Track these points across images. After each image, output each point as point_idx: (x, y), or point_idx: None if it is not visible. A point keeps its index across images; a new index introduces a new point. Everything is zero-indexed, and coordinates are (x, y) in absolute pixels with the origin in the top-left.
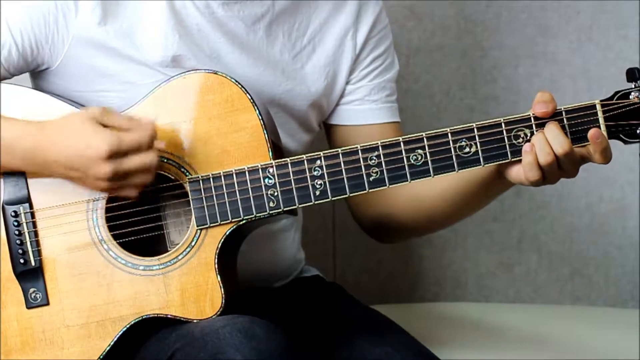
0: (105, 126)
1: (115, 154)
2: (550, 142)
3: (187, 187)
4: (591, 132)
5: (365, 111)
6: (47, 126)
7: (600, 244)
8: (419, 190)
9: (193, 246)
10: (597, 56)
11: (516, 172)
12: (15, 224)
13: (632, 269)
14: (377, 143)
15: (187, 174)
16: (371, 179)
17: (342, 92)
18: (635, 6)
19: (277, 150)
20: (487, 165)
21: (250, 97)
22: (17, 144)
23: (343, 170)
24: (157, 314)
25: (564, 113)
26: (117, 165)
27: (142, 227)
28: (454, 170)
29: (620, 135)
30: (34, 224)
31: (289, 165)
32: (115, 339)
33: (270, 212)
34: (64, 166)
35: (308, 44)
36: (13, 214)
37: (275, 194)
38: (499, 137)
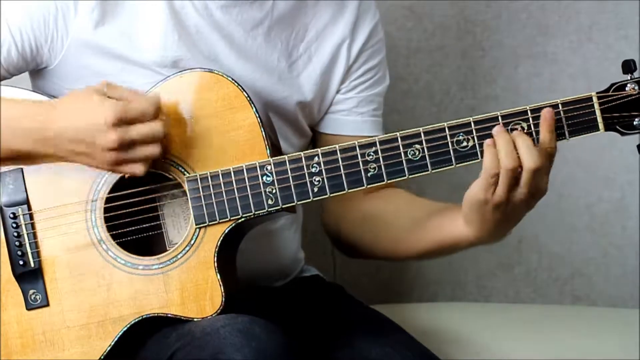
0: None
1: (121, 121)
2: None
3: (185, 186)
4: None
5: (351, 122)
6: (49, 103)
7: (600, 244)
8: (390, 219)
9: (192, 245)
10: (597, 56)
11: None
12: (14, 225)
13: (632, 269)
14: (375, 139)
15: (185, 172)
16: (369, 174)
17: (332, 100)
18: (635, 6)
19: (275, 149)
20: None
21: (247, 95)
22: (20, 122)
23: (341, 166)
24: (157, 314)
25: (560, 105)
26: (124, 133)
27: (140, 226)
28: (452, 165)
29: (617, 127)
30: (33, 226)
31: (287, 162)
32: (116, 339)
33: (269, 209)
34: (70, 139)
35: (304, 52)
36: (12, 215)
37: (274, 191)
38: None
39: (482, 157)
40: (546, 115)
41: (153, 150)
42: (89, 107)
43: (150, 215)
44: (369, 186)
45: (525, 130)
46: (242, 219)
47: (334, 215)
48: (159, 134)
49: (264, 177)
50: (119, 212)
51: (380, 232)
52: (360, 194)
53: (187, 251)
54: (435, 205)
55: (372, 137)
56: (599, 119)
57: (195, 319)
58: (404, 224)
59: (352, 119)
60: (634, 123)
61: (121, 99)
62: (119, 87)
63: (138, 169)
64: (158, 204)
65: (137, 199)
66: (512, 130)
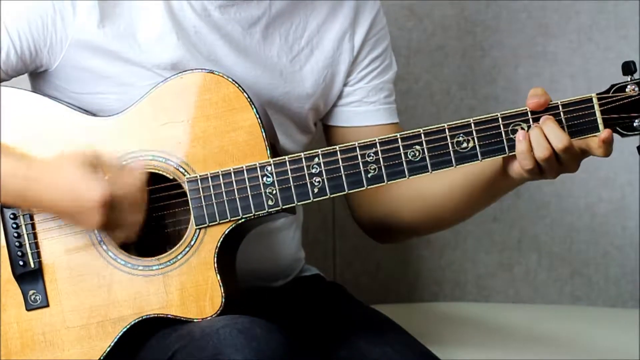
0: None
1: (109, 205)
2: (547, 136)
3: (186, 187)
4: (605, 135)
5: (364, 112)
6: (37, 166)
7: (600, 244)
8: (424, 188)
9: (192, 246)
10: (597, 56)
11: (517, 165)
12: (14, 226)
13: (632, 269)
14: (375, 140)
15: (186, 173)
16: (369, 175)
17: (339, 93)
18: (635, 6)
19: (275, 150)
20: (484, 159)
21: (247, 96)
22: (9, 182)
23: (341, 167)
24: (157, 314)
25: (560, 107)
26: (109, 215)
27: (140, 227)
28: (452, 166)
29: (617, 129)
30: (33, 226)
31: (287, 163)
32: (116, 340)
33: (269, 210)
34: (56, 211)
35: (306, 46)
36: (12, 216)
37: (274, 192)
38: (496, 131)
39: (482, 157)
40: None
41: (128, 234)
42: (76, 184)
43: (151, 215)
44: (369, 187)
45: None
46: (242, 220)
47: (365, 205)
48: (138, 223)
49: (264, 178)
50: None
51: (421, 205)
52: None
53: (187, 252)
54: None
55: (387, 124)
56: (599, 120)
57: (195, 320)
58: (448, 181)
59: (364, 109)
60: (634, 124)
61: (109, 172)
62: (106, 161)
63: (118, 238)
64: (158, 204)
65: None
66: (512, 131)
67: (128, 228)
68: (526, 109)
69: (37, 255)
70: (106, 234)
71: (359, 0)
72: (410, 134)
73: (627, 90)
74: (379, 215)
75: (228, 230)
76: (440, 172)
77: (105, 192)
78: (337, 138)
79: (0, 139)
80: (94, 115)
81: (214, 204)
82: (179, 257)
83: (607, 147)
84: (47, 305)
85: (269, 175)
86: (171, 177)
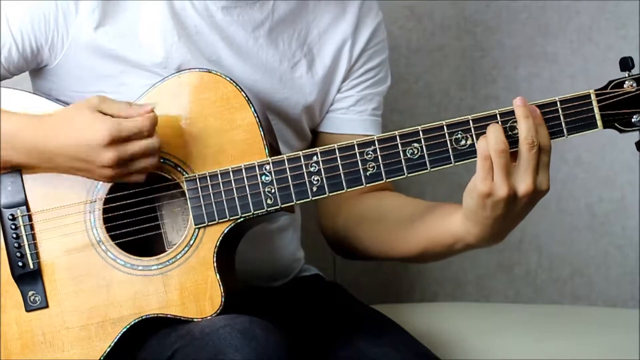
0: (104, 114)
1: (117, 140)
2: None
3: (184, 186)
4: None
5: (350, 120)
6: (46, 119)
7: (600, 244)
8: (389, 212)
9: (191, 245)
10: (597, 56)
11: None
12: (13, 227)
13: (632, 269)
14: (374, 137)
15: (184, 173)
16: (368, 173)
17: (332, 101)
18: (635, 6)
19: (274, 150)
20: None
21: (245, 95)
22: (18, 137)
23: (340, 165)
24: (157, 314)
25: (558, 103)
26: (120, 151)
27: (139, 227)
28: (451, 163)
29: (616, 124)
30: (32, 227)
31: (286, 161)
32: (116, 340)
33: (268, 209)
34: (68, 157)
35: (308, 53)
36: (10, 217)
37: (273, 190)
38: None
39: None
40: (525, 111)
41: (151, 162)
42: (82, 126)
43: (149, 215)
44: (368, 185)
45: None
46: (241, 219)
47: (330, 217)
48: (154, 149)
49: (263, 177)
50: (118, 212)
51: (376, 230)
52: (356, 193)
53: (187, 251)
54: (432, 203)
55: (370, 135)
56: (597, 117)
57: (194, 320)
58: (400, 219)
59: (350, 117)
60: (632, 120)
61: (117, 115)
62: (115, 102)
63: (137, 179)
64: (157, 204)
65: (136, 200)
66: (510, 128)
67: (143, 162)
68: None
69: (36, 256)
70: (124, 171)
71: (361, 10)
72: (409, 132)
73: (625, 86)
74: (340, 228)
75: (227, 229)
76: (405, 203)
77: (112, 128)
78: (320, 144)
79: (1, 139)
80: None
81: (213, 203)
82: (178, 257)
83: (523, 109)
84: (47, 306)
85: (268, 174)
86: (170, 177)
